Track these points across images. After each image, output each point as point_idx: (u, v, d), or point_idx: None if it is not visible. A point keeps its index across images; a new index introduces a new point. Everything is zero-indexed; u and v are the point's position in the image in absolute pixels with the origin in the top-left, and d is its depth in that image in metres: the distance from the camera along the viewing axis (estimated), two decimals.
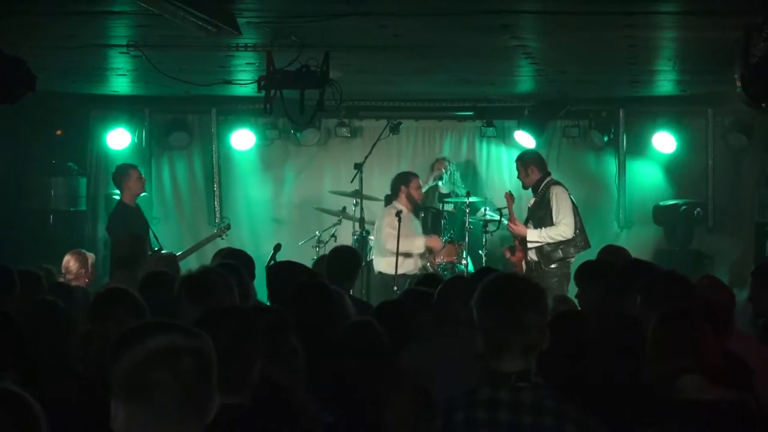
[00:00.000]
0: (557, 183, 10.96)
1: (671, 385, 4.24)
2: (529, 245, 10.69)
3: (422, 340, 5.65)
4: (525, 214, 11.18)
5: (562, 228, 10.61)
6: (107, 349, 2.63)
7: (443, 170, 12.78)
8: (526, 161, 11.04)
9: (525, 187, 11.11)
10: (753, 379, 4.88)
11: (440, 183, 12.78)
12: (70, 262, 8.93)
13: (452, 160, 13.40)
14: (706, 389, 4.22)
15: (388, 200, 11.77)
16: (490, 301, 3.68)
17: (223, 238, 12.26)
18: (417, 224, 11.60)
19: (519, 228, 10.78)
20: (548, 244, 10.61)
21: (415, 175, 11.80)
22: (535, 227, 10.71)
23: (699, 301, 5.24)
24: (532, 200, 10.97)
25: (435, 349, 5.50)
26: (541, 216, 10.75)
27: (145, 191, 11.58)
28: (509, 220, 11.00)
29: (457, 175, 12.94)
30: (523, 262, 10.83)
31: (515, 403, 3.57)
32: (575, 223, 10.71)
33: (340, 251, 7.93)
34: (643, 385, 4.40)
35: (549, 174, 11.00)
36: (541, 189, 10.82)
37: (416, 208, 11.80)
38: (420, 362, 5.29)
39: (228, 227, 12.38)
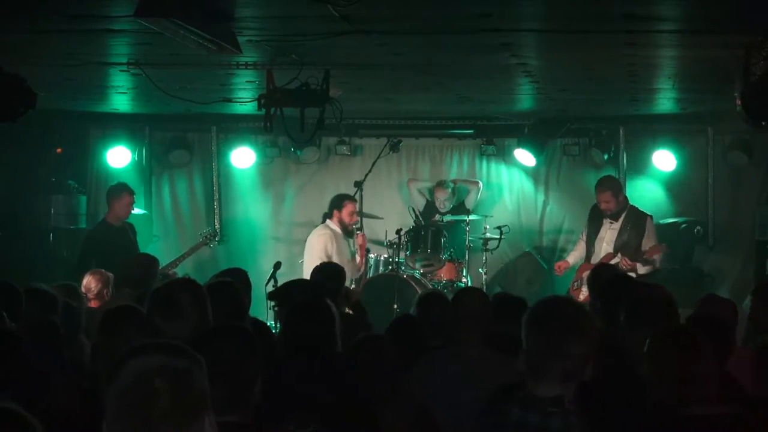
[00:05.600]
0: (641, 210, 11.45)
1: (675, 403, 4.21)
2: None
3: (426, 358, 5.64)
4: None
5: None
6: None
7: (448, 194, 12.76)
8: (616, 188, 11.41)
9: (609, 215, 11.23)
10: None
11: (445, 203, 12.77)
12: (91, 281, 8.85)
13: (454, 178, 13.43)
14: (707, 405, 4.18)
15: (324, 218, 11.82)
16: (536, 323, 3.66)
17: (210, 247, 12.35)
18: (345, 245, 11.67)
19: (632, 265, 10.96)
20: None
21: (352, 201, 11.83)
22: (616, 251, 11.06)
23: (692, 320, 5.23)
24: (614, 223, 11.21)
25: (438, 367, 5.48)
26: (625, 240, 11.08)
27: (127, 218, 11.43)
28: (622, 259, 11.06)
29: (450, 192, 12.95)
30: None
31: (543, 427, 3.54)
32: None
33: (325, 268, 7.95)
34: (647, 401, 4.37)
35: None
36: (626, 215, 11.21)
37: (349, 232, 11.86)
38: (423, 380, 5.27)
39: (212, 235, 12.46)
